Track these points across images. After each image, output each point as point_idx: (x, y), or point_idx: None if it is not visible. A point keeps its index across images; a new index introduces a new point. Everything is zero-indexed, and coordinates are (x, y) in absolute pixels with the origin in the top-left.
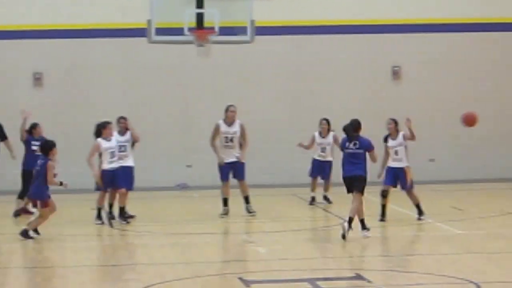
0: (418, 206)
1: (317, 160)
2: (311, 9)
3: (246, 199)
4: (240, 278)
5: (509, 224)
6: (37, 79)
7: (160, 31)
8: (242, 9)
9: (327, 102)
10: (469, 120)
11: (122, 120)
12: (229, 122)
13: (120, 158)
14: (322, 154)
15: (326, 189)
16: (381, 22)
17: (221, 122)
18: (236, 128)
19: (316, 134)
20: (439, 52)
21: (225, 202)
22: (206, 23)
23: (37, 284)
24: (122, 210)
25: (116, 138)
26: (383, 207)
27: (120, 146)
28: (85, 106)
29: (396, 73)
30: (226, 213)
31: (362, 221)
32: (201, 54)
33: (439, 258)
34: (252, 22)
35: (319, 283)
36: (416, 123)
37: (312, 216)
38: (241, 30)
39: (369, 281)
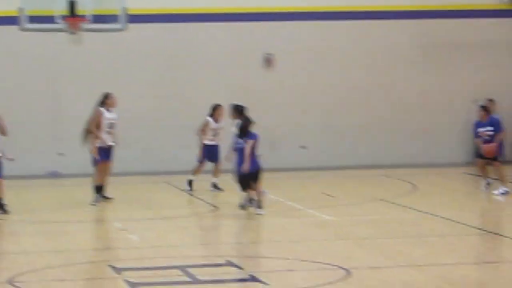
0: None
1: (208, 145)
2: None
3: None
4: (111, 266)
5: (379, 210)
6: None
7: (32, 19)
8: None
9: (199, 89)
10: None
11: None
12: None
13: None
14: (214, 139)
15: (215, 175)
16: (253, 10)
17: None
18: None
19: (210, 119)
20: (311, 40)
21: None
22: (79, 11)
23: None
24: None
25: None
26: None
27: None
28: None
29: (268, 61)
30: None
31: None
32: (73, 42)
33: (310, 244)
34: (125, 9)
35: (190, 270)
36: (288, 110)
37: (184, 203)
38: (113, 18)
39: (240, 268)
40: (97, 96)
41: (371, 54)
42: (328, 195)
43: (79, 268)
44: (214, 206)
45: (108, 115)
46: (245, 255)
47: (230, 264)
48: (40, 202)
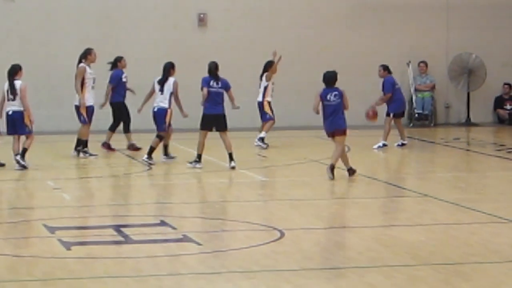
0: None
1: None
2: None
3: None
4: (45, 225)
5: (312, 171)
6: None
7: None
8: None
9: (132, 49)
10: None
11: None
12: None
13: None
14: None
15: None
16: None
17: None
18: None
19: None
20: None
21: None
22: None
23: None
24: None
25: None
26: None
27: None
28: None
29: (202, 20)
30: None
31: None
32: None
33: (244, 204)
34: None
35: (123, 229)
36: (222, 70)
37: (116, 162)
38: None
39: (173, 228)
40: (29, 54)
41: (305, 14)
42: (262, 156)
43: (13, 226)
44: (148, 166)
45: (89, 71)
46: (179, 215)
47: (163, 224)
48: None
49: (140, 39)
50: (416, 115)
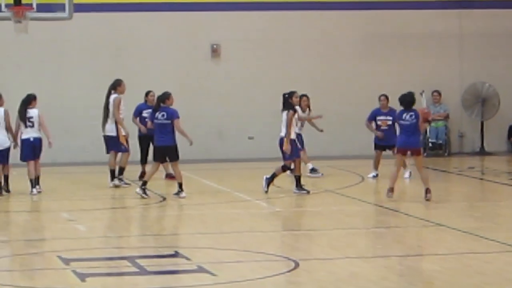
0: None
1: None
2: None
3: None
4: (59, 256)
5: (326, 202)
6: None
7: None
8: None
9: (145, 80)
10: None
11: None
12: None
13: None
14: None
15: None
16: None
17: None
18: None
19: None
20: (258, 30)
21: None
22: (24, 0)
23: None
24: None
25: None
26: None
27: None
28: None
29: (215, 51)
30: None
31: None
32: (18, 30)
33: (258, 235)
34: None
35: (138, 260)
36: (235, 101)
37: (131, 194)
38: (59, 7)
39: (187, 259)
40: (42, 85)
41: (318, 45)
42: (276, 186)
43: (27, 258)
44: (162, 197)
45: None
46: (193, 246)
47: (178, 255)
48: None
49: (152, 70)
50: (430, 144)
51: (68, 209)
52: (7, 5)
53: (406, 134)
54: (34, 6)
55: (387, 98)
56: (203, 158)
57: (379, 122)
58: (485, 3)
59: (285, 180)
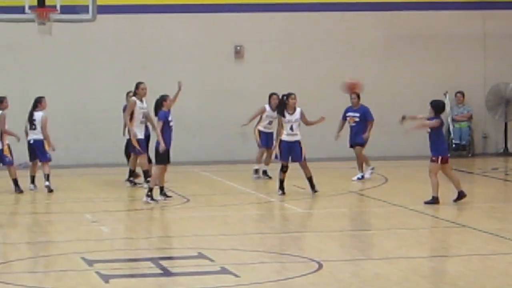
0: (310, 180)
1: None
2: None
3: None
4: (83, 258)
5: (350, 203)
6: None
7: (0, 9)
8: None
9: (169, 82)
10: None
11: None
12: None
13: None
14: (269, 126)
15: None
16: (221, 1)
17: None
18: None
19: (267, 107)
20: (281, 31)
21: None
22: (47, 1)
23: None
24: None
25: None
26: (282, 181)
27: None
28: None
29: (238, 53)
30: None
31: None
32: (42, 32)
33: (282, 236)
34: (94, 0)
35: (161, 262)
36: (259, 103)
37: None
38: (82, 9)
39: (211, 260)
40: (65, 88)
41: (342, 46)
42: (299, 187)
43: (51, 259)
44: (186, 198)
45: (140, 105)
46: (217, 247)
47: (201, 256)
48: (12, 194)
49: (176, 71)
50: (454, 145)
51: (91, 210)
52: (31, 7)
53: (445, 142)
54: (58, 7)
55: (358, 97)
56: (226, 159)
57: (347, 118)
58: (509, 3)
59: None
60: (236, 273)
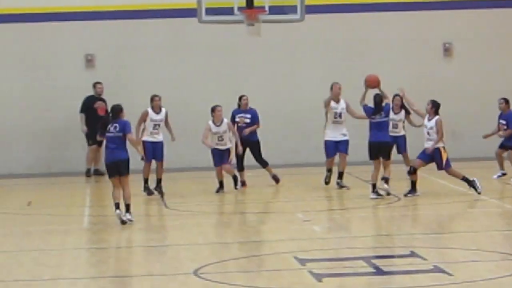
0: (466, 180)
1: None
2: None
3: (340, 175)
4: (296, 257)
5: None
6: (89, 61)
7: (210, 11)
8: None
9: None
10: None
11: (156, 98)
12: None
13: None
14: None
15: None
16: None
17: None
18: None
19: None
20: (490, 28)
21: (328, 170)
22: (256, 2)
23: (92, 264)
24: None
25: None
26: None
27: (155, 125)
28: (134, 87)
29: (447, 50)
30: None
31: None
32: (251, 33)
33: (494, 234)
34: (302, 0)
35: (374, 261)
36: (468, 100)
37: (365, 194)
38: (291, 9)
39: (424, 259)
40: (274, 88)
41: None
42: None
43: (264, 259)
44: (397, 197)
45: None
46: (429, 246)
47: (414, 255)
48: (224, 194)
49: (384, 70)
50: None
51: (303, 210)
52: (239, 8)
53: None
54: (267, 8)
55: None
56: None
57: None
58: None
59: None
60: (449, 272)
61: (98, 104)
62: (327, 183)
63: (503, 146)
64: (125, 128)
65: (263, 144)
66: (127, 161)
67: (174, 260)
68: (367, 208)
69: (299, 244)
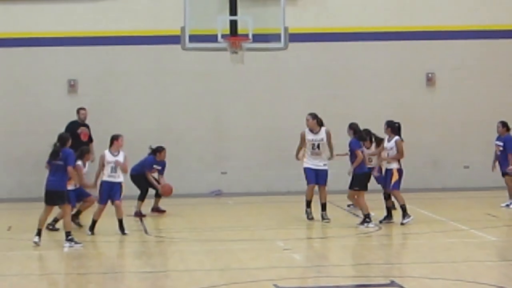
0: (402, 207)
1: None
2: (342, 15)
3: (323, 206)
4: (276, 285)
5: None
6: (72, 86)
7: (194, 38)
8: (275, 16)
9: (360, 109)
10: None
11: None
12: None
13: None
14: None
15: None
16: (413, 28)
17: (306, 130)
18: (322, 135)
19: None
20: (473, 58)
21: (308, 204)
22: (240, 30)
23: None
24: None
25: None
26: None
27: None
28: (117, 112)
29: (430, 80)
30: (309, 216)
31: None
32: (234, 61)
33: (474, 265)
34: (286, 29)
35: None
36: (450, 129)
37: (346, 222)
38: (274, 37)
39: None
40: (256, 116)
41: None
42: (492, 215)
43: (244, 286)
44: (378, 226)
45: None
46: (408, 275)
47: (394, 284)
48: (204, 221)
49: (366, 99)
50: None
51: (283, 238)
52: (223, 36)
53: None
54: (250, 36)
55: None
56: (419, 187)
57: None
58: None
59: (501, 210)
60: None
61: (81, 129)
62: (310, 219)
63: (507, 174)
64: (67, 159)
65: (245, 171)
66: (62, 193)
67: (155, 287)
68: (348, 237)
69: (279, 272)
